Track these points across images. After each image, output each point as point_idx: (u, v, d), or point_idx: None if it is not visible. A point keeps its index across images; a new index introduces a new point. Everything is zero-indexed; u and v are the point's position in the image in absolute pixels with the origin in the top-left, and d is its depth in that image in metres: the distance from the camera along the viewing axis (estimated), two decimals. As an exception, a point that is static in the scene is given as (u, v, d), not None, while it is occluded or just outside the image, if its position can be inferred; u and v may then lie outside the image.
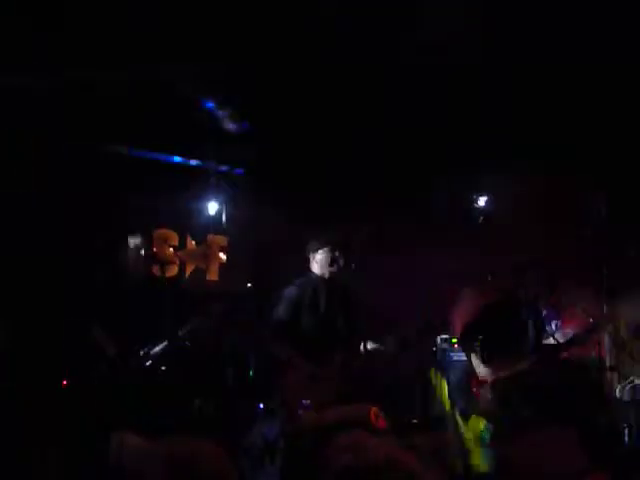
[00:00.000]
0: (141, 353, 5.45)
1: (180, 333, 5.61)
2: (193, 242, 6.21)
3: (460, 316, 4.54)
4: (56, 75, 5.10)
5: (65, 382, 5.17)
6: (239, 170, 6.95)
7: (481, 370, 4.24)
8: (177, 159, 6.61)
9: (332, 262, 5.25)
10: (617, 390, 4.98)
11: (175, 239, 6.01)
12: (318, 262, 5.32)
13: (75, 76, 5.14)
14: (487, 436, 3.24)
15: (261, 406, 5.59)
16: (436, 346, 5.94)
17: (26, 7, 4.50)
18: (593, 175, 5.80)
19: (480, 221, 5.74)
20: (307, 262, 5.39)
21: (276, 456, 4.96)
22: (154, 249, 5.76)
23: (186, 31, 4.79)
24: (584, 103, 5.31)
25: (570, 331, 5.39)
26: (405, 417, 5.50)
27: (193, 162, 6.72)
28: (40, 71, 5.04)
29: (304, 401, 4.60)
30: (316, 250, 5.32)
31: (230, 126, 6.02)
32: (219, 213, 6.63)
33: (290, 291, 5.27)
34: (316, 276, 5.33)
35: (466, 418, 3.87)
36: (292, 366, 4.99)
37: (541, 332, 5.98)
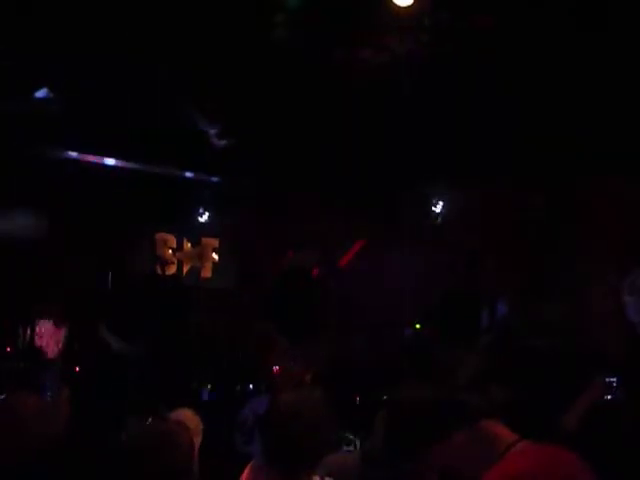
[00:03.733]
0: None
1: None
2: (189, 244, 7.08)
3: None
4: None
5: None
6: (227, 180, 7.58)
7: None
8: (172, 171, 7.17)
9: None
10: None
11: (174, 242, 6.88)
12: None
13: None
14: None
15: (251, 387, 6.28)
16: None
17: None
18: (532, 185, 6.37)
19: (437, 222, 6.47)
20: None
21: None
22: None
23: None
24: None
25: None
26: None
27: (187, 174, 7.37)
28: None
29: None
30: None
31: (217, 143, 6.50)
32: (211, 218, 7.41)
33: None
34: None
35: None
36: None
37: (494, 316, 6.71)
